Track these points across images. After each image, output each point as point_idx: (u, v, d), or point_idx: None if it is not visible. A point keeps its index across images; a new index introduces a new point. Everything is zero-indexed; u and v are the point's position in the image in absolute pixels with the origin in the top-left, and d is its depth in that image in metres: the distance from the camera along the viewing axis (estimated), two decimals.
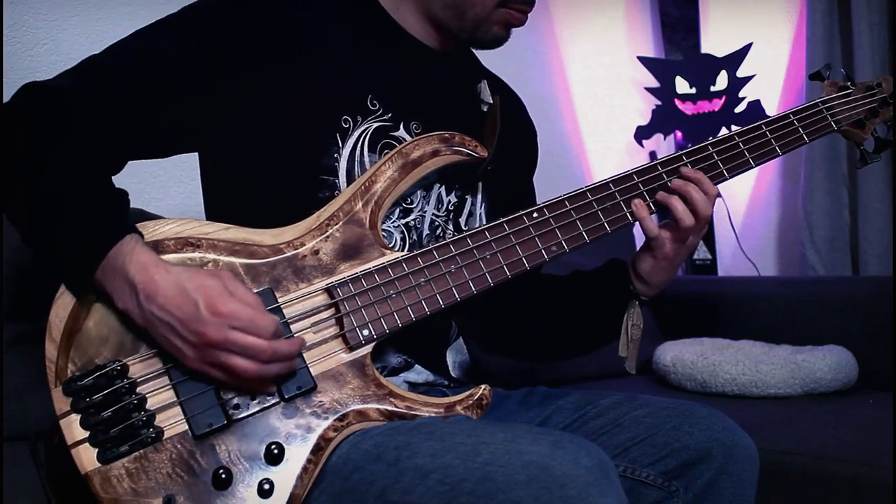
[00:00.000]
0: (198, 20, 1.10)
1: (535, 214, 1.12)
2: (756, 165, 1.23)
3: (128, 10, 1.90)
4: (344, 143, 1.10)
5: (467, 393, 1.06)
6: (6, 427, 1.34)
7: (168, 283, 0.93)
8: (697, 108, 2.79)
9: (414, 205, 1.16)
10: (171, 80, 1.06)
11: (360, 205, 1.07)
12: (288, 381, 0.98)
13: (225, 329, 0.91)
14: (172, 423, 0.94)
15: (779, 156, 1.25)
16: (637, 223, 1.17)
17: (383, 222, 1.09)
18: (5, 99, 1.06)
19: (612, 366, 2.15)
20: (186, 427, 0.94)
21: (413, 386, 1.15)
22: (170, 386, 0.95)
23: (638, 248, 1.24)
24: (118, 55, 1.08)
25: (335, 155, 1.09)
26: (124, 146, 1.07)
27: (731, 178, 1.21)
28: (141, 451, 0.93)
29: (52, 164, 0.97)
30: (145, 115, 1.05)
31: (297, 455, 0.96)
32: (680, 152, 1.19)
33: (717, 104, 2.76)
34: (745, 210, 2.90)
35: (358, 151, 1.11)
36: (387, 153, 1.10)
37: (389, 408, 1.01)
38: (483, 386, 1.07)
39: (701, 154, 1.19)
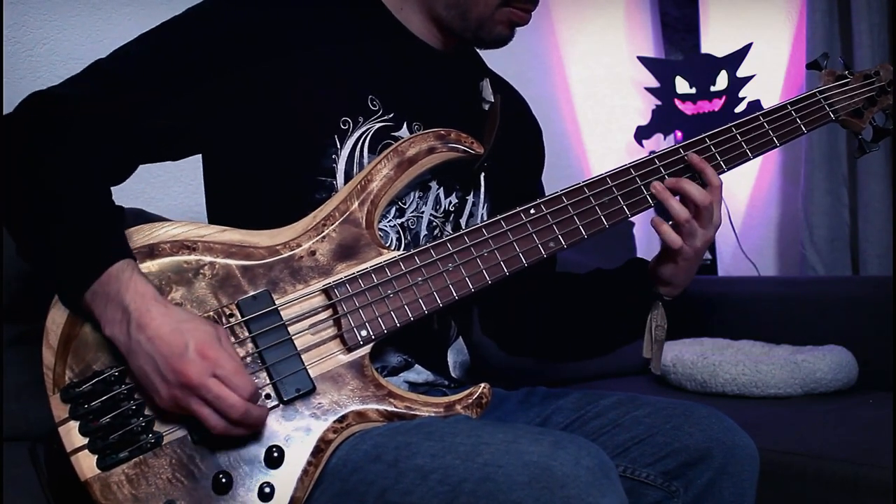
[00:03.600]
0: (202, 20, 1.10)
1: (532, 211, 1.12)
2: (754, 157, 1.22)
3: (128, 11, 1.90)
4: (343, 144, 1.10)
5: (466, 392, 1.06)
6: (6, 427, 1.34)
7: (164, 318, 0.91)
8: (697, 108, 2.79)
9: (407, 205, 1.15)
10: (175, 83, 1.06)
11: (356, 204, 1.07)
12: (286, 383, 0.97)
13: (206, 374, 0.89)
14: (171, 428, 0.94)
15: (776, 147, 1.23)
16: (633, 221, 1.17)
17: (379, 221, 1.09)
18: (5, 99, 1.06)
19: (613, 366, 2.17)
20: (185, 432, 0.94)
21: (413, 386, 1.14)
22: None
23: (647, 243, 1.23)
24: (124, 59, 1.08)
25: (333, 156, 1.09)
26: (132, 150, 1.07)
27: (728, 170, 1.19)
28: (140, 456, 0.92)
29: (50, 179, 0.97)
30: (151, 118, 1.05)
31: (297, 457, 0.96)
32: (677, 145, 1.19)
33: (717, 104, 2.77)
34: (745, 210, 2.90)
35: (357, 153, 1.10)
36: (383, 152, 1.10)
37: (389, 408, 1.01)
38: (482, 385, 1.07)
39: (698, 147, 1.18)
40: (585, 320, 1.29)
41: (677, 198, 1.14)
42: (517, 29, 1.19)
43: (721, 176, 1.18)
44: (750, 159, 1.22)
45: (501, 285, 1.10)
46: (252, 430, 0.94)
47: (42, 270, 0.96)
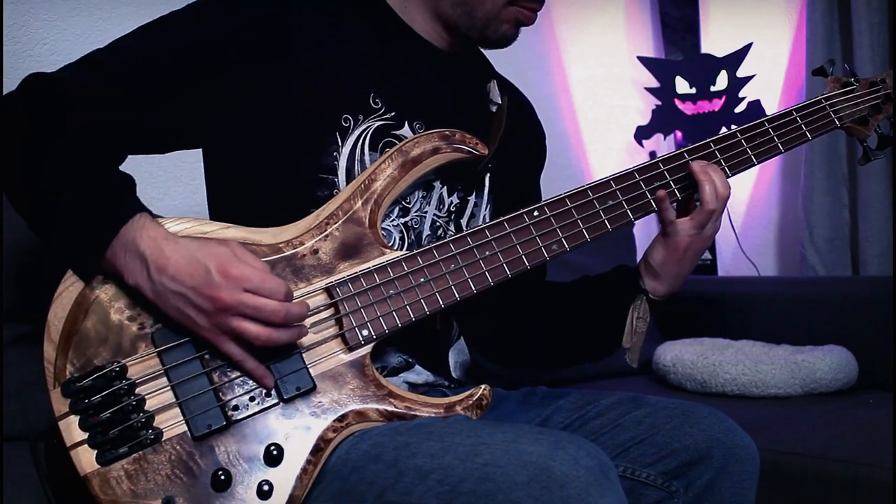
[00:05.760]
0: (201, 18, 1.10)
1: (535, 213, 1.12)
2: (759, 163, 1.22)
3: (128, 10, 1.90)
4: (344, 141, 1.10)
5: (467, 393, 1.06)
6: (6, 427, 1.34)
7: (178, 254, 0.93)
8: (697, 108, 2.79)
9: (412, 204, 1.16)
10: (172, 77, 1.06)
11: (359, 203, 1.07)
12: (287, 382, 0.98)
13: (238, 291, 0.92)
14: (171, 424, 0.94)
15: (781, 153, 1.24)
16: (636, 222, 1.17)
17: (382, 221, 1.09)
18: None
19: (612, 366, 2.16)
20: (185, 428, 0.94)
21: (413, 386, 1.14)
22: (169, 387, 0.95)
23: (647, 245, 1.23)
24: (121, 51, 1.08)
25: (335, 153, 1.09)
26: (124, 140, 1.07)
27: (733, 175, 1.20)
28: (140, 452, 0.92)
29: (58, 153, 0.97)
30: (145, 110, 1.05)
31: (296, 456, 0.96)
32: (682, 150, 1.19)
33: (717, 104, 2.76)
34: (745, 210, 2.90)
35: (358, 150, 1.10)
36: (387, 151, 1.10)
37: (389, 408, 1.01)
38: (483, 386, 1.07)
39: (703, 151, 1.19)
40: (574, 326, 1.28)
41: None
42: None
43: None
44: (754, 165, 1.22)
45: (492, 301, 1.10)
46: (297, 332, 0.96)
47: (58, 240, 0.97)
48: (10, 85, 1.06)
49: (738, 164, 1.20)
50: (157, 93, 1.05)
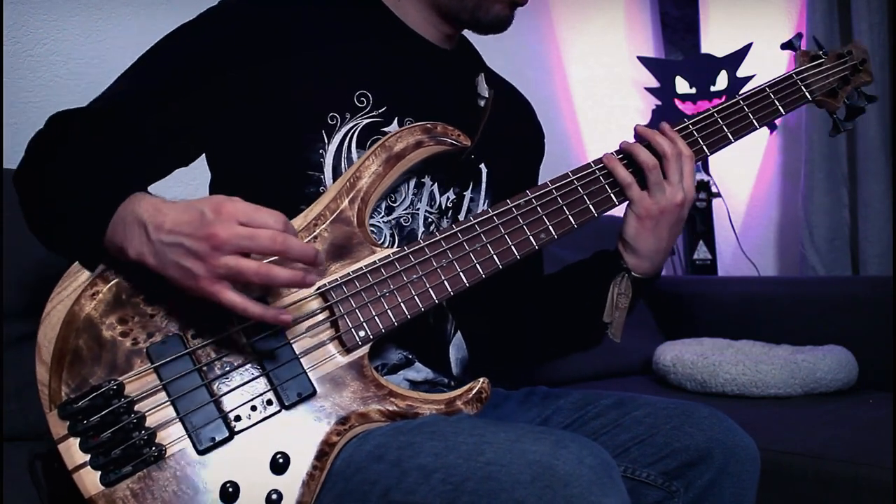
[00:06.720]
0: (198, 27, 1.11)
1: (521, 203, 1.12)
2: (735, 140, 1.24)
3: (128, 10, 1.90)
4: (330, 139, 1.10)
5: (466, 387, 1.06)
6: (6, 427, 1.34)
7: (175, 208, 0.91)
8: (697, 109, 2.79)
9: (398, 202, 1.15)
10: (176, 79, 1.07)
11: (346, 202, 1.06)
12: (287, 388, 0.97)
13: (232, 224, 0.88)
14: (174, 439, 0.92)
15: (756, 129, 1.26)
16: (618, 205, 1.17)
17: (371, 218, 1.09)
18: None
19: (613, 366, 2.17)
20: (189, 443, 0.92)
21: (414, 385, 1.14)
22: (168, 402, 0.93)
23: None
24: (124, 74, 1.11)
25: (321, 151, 1.09)
26: (129, 148, 1.07)
27: (712, 153, 1.22)
28: (144, 470, 0.90)
29: (60, 156, 0.99)
30: (147, 117, 1.06)
31: (302, 462, 0.95)
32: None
33: (717, 104, 2.76)
34: (745, 210, 2.90)
35: (345, 148, 1.10)
36: (370, 147, 1.10)
37: (390, 408, 1.01)
38: (481, 379, 1.07)
39: (682, 132, 1.21)
40: (563, 314, 1.29)
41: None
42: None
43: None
44: (731, 142, 1.24)
45: (489, 295, 1.09)
46: (299, 276, 0.91)
47: (58, 235, 0.98)
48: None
49: (716, 143, 1.22)
50: (158, 93, 1.06)
